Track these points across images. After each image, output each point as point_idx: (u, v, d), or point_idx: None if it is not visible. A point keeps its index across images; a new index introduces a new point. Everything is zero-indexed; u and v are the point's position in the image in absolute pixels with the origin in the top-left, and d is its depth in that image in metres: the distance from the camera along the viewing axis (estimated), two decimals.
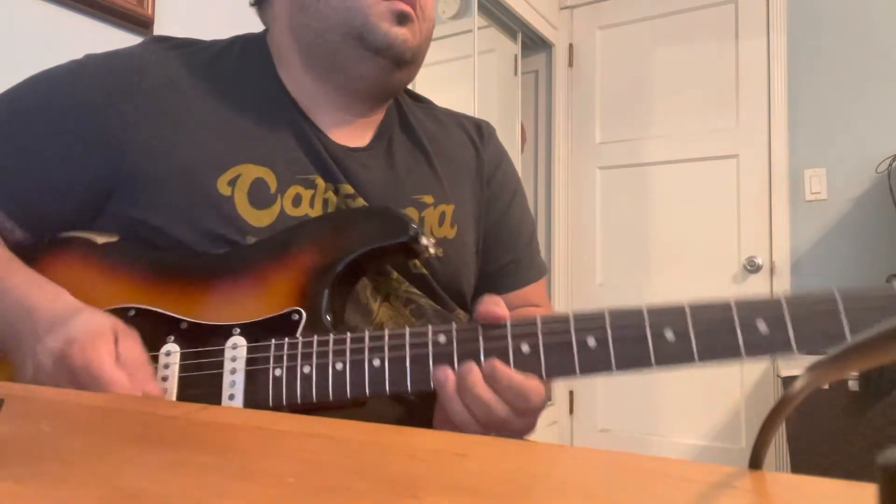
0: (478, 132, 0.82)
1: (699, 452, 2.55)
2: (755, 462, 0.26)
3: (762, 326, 0.48)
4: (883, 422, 1.74)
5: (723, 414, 2.55)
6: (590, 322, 0.51)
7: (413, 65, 0.70)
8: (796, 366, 1.99)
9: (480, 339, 0.53)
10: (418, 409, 0.64)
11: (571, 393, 2.85)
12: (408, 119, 0.77)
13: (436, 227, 0.72)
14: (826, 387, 1.78)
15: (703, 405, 2.57)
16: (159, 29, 1.29)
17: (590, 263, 2.86)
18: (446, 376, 0.52)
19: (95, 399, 0.45)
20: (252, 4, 0.75)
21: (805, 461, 1.87)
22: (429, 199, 0.72)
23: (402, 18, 0.66)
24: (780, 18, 2.53)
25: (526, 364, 0.52)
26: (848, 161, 2.40)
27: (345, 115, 0.71)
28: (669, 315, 0.50)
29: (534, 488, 0.26)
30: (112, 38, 1.21)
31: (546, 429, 2.73)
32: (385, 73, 0.68)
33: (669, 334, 0.49)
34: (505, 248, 0.80)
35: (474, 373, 0.52)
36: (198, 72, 0.68)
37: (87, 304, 0.57)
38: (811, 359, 0.23)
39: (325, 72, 0.69)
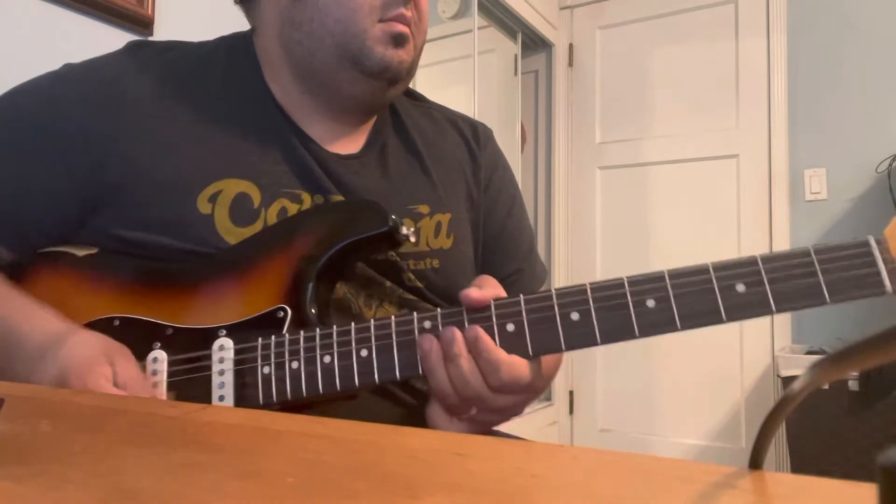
0: (474, 135, 0.80)
1: (699, 452, 2.55)
2: (755, 462, 0.26)
3: (740, 287, 0.49)
4: (883, 422, 1.74)
5: (723, 414, 2.55)
6: (572, 296, 0.52)
7: (408, 77, 0.68)
8: (796, 366, 1.99)
9: (465, 321, 0.53)
10: (417, 411, 0.64)
11: (571, 393, 2.85)
12: (402, 119, 0.75)
13: (432, 237, 0.70)
14: (826, 387, 1.78)
15: (703, 405, 2.57)
16: (159, 28, 1.28)
17: (590, 263, 2.86)
18: (431, 345, 0.53)
19: (95, 399, 0.45)
20: (237, 2, 0.72)
21: (805, 461, 1.88)
22: (424, 208, 0.70)
23: (399, 41, 0.64)
24: (780, 18, 2.53)
25: (512, 342, 0.52)
26: (848, 161, 2.40)
27: (336, 124, 0.69)
28: (649, 283, 0.50)
29: (534, 488, 0.26)
30: (112, 38, 1.21)
31: (546, 429, 2.72)
32: (379, 91, 0.67)
33: (650, 302, 0.50)
34: (507, 258, 0.78)
35: (458, 341, 0.52)
36: (181, 80, 0.66)
37: (69, 322, 0.57)
38: (811, 358, 0.23)
39: (316, 87, 0.67)
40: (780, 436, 2.07)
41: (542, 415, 2.69)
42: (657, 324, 0.50)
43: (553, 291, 0.52)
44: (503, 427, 0.63)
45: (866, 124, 2.38)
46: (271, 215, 0.63)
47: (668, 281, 0.50)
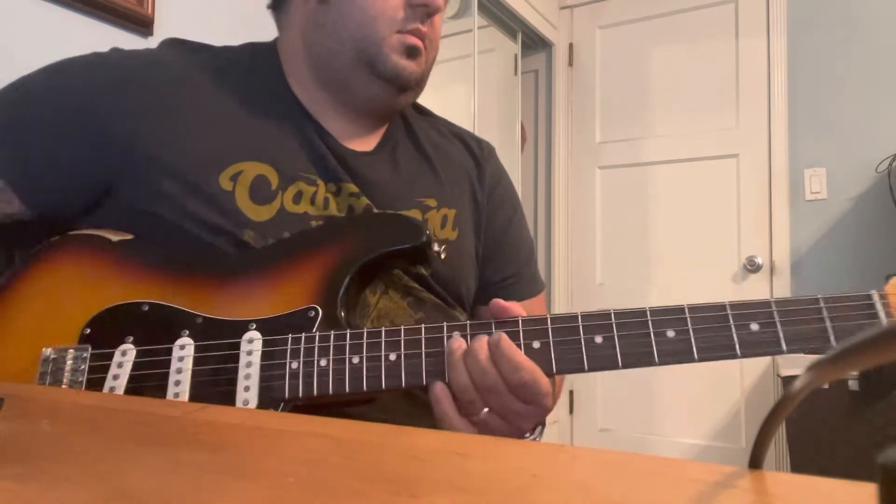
0: (478, 147, 0.86)
1: (699, 452, 2.55)
2: (755, 462, 0.26)
3: (754, 326, 0.53)
4: (883, 422, 1.74)
5: (723, 414, 2.55)
6: (597, 321, 0.55)
7: (418, 88, 0.74)
8: (796, 366, 1.99)
9: (493, 333, 0.55)
10: (428, 406, 0.64)
11: (571, 393, 2.85)
12: (412, 127, 0.81)
13: (438, 229, 0.74)
14: (826, 387, 1.78)
15: (703, 405, 2.57)
16: (159, 29, 1.28)
17: (590, 263, 2.86)
18: (460, 344, 0.55)
19: (95, 399, 0.45)
20: (269, 7, 0.77)
21: (805, 461, 1.87)
22: (432, 202, 0.74)
23: (412, 52, 0.69)
24: (780, 18, 2.53)
25: (537, 359, 0.54)
26: (848, 161, 2.40)
27: (351, 124, 0.74)
28: (670, 315, 0.54)
29: (534, 488, 0.26)
30: (112, 38, 1.21)
31: (546, 428, 2.72)
32: (390, 96, 0.72)
33: (671, 333, 0.54)
34: (507, 260, 0.82)
35: (481, 340, 0.55)
36: (208, 72, 0.70)
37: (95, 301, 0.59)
38: (811, 359, 0.23)
39: (333, 87, 0.72)
40: (780, 436, 2.07)
41: None
42: (676, 353, 0.53)
43: (579, 314, 0.56)
44: None
45: (866, 124, 2.38)
46: (287, 197, 0.67)
47: (687, 315, 0.54)
